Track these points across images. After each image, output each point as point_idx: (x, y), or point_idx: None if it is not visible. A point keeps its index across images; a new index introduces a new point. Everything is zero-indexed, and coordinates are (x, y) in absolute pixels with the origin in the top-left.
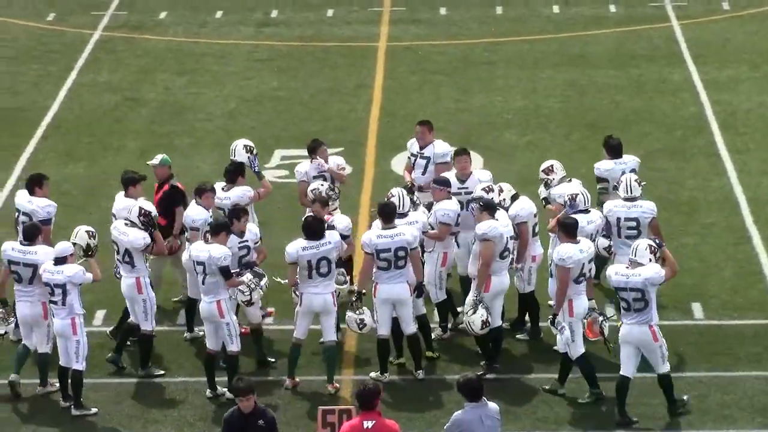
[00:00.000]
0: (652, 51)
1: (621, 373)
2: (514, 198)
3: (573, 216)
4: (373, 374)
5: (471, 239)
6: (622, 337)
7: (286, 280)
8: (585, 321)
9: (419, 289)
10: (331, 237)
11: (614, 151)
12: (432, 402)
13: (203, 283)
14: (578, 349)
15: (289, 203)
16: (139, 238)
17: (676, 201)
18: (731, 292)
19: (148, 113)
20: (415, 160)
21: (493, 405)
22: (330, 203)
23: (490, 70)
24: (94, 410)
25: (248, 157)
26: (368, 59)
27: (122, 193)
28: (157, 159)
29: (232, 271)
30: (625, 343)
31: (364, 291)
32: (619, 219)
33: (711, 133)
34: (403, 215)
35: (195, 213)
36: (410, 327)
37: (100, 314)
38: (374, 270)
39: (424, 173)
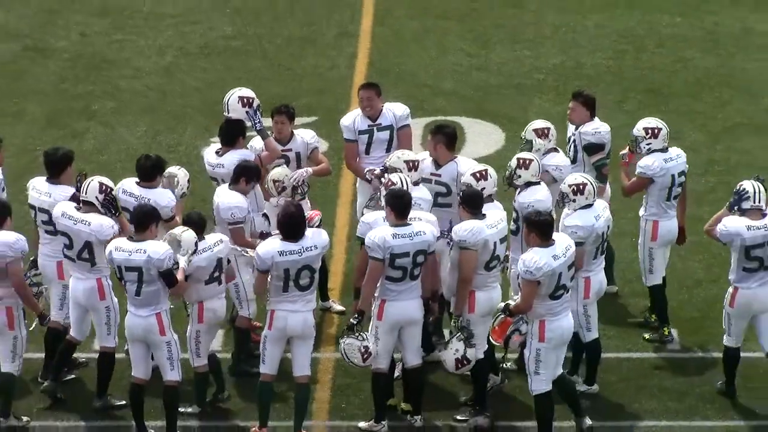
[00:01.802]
0: None
1: (734, 345)
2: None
3: (579, 211)
4: (363, 424)
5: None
6: (746, 305)
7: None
8: (497, 320)
9: (441, 304)
10: (317, 239)
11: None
12: None
13: (138, 294)
14: (541, 386)
15: None
16: (106, 225)
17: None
18: None
19: (56, 68)
20: (370, 137)
21: None
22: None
23: (517, 15)
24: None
25: (246, 112)
26: None
27: (41, 178)
28: None
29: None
30: (746, 312)
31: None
32: (673, 176)
33: None
34: None
35: None
36: (416, 358)
37: None
38: (380, 282)
39: (389, 149)
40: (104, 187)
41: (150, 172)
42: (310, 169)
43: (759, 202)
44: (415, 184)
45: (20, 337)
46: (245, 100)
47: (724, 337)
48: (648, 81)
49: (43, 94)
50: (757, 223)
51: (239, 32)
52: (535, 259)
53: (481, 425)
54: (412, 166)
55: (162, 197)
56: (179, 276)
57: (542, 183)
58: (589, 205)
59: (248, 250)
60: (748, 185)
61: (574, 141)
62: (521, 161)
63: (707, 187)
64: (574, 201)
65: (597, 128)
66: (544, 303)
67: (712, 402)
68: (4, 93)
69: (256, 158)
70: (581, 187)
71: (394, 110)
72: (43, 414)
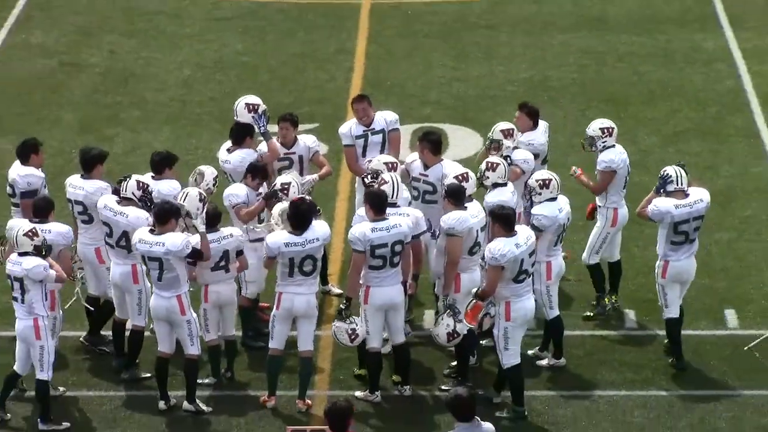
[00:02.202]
0: (683, 14)
1: (674, 315)
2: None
3: (545, 203)
4: (359, 393)
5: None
6: (677, 275)
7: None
8: (469, 305)
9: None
10: (320, 232)
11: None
12: (421, 422)
13: (160, 279)
14: (511, 360)
15: None
16: (141, 217)
17: (709, 190)
18: None
19: (89, 81)
20: (365, 141)
21: (488, 426)
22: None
23: (492, 35)
24: (65, 425)
25: (252, 117)
26: (350, 20)
27: (77, 175)
28: None
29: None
30: (677, 282)
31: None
32: (628, 167)
33: (750, 110)
34: (394, 205)
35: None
36: (400, 336)
37: None
38: (364, 271)
39: (382, 150)
40: (141, 184)
41: (157, 166)
42: (316, 176)
43: (681, 184)
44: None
45: (58, 317)
46: (251, 106)
47: (663, 312)
48: (608, 92)
49: (77, 104)
50: (683, 202)
51: (249, 49)
52: (499, 247)
53: (461, 394)
54: (392, 167)
55: (165, 187)
56: (203, 249)
57: (509, 184)
58: (554, 198)
59: (258, 226)
60: (671, 170)
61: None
62: (489, 164)
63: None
64: (540, 194)
65: (531, 140)
66: (508, 286)
67: (666, 374)
68: (44, 103)
69: (258, 157)
70: (547, 182)
71: (385, 117)
72: (76, 384)
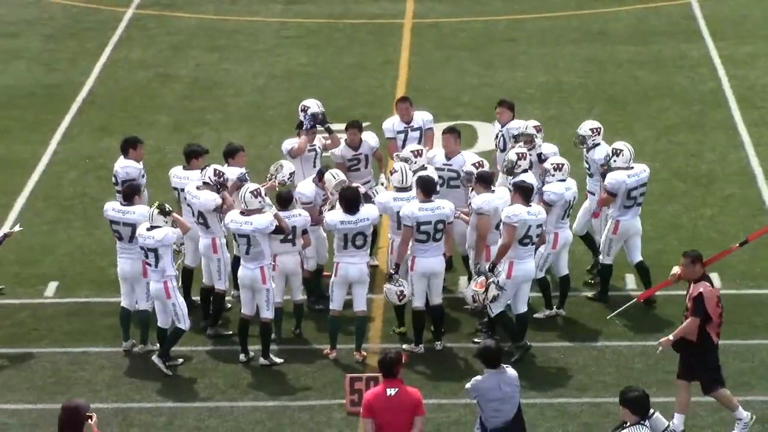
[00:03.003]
0: (671, 27)
1: (610, 262)
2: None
3: (555, 182)
4: (406, 346)
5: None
6: (625, 232)
7: None
8: (476, 281)
9: (449, 263)
10: (369, 213)
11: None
12: (456, 369)
13: (247, 253)
14: (498, 309)
15: None
16: (209, 200)
17: (694, 174)
18: (748, 262)
19: (180, 89)
20: (405, 136)
21: (512, 371)
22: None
23: (513, 47)
24: (180, 361)
25: (303, 115)
26: (394, 36)
27: (179, 167)
28: None
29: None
30: (623, 237)
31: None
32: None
33: (729, 107)
34: (406, 189)
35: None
36: (438, 298)
37: (52, 285)
38: (412, 243)
39: (419, 143)
40: (217, 171)
41: (186, 158)
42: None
43: (631, 160)
44: (423, 168)
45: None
46: (302, 106)
47: (604, 257)
48: (609, 93)
49: (170, 109)
50: (632, 172)
51: (312, 61)
52: (515, 210)
53: (490, 345)
54: (417, 153)
55: (232, 172)
56: (282, 224)
57: (530, 171)
58: (563, 180)
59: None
60: (624, 148)
61: (503, 135)
62: (520, 155)
63: (654, 169)
64: (553, 175)
65: (518, 126)
66: (515, 249)
67: (660, 327)
68: (142, 108)
69: (286, 153)
70: (560, 165)
71: (423, 116)
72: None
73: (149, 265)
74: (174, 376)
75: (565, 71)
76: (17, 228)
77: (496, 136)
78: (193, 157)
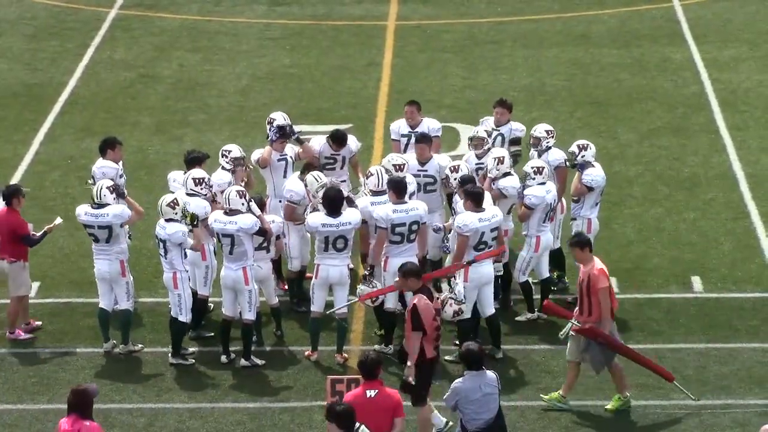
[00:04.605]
0: (654, 31)
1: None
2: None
3: (536, 186)
4: (376, 347)
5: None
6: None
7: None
8: (437, 299)
9: (422, 262)
10: (351, 217)
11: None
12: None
13: (231, 253)
14: (467, 315)
15: None
16: (200, 207)
17: (677, 177)
18: (730, 265)
19: (163, 90)
20: (408, 140)
21: (491, 373)
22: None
23: (496, 49)
24: (191, 360)
25: (269, 127)
26: (378, 38)
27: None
28: None
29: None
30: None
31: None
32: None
33: (711, 111)
34: (380, 193)
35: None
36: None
37: (34, 286)
38: (386, 244)
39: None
40: (197, 180)
41: (188, 165)
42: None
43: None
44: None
45: (130, 282)
46: (268, 119)
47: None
48: (592, 96)
49: (153, 109)
50: (601, 171)
51: (295, 63)
52: (466, 220)
53: (472, 348)
54: (399, 168)
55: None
56: (265, 226)
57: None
58: (543, 183)
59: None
60: (582, 141)
61: (502, 135)
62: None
63: (637, 172)
64: (533, 179)
65: (519, 128)
66: (469, 254)
67: (642, 331)
68: (125, 108)
69: (295, 155)
70: (540, 169)
71: (429, 124)
72: (152, 342)
73: (161, 255)
74: (155, 377)
75: (548, 74)
76: (58, 221)
77: (489, 134)
78: (195, 164)
